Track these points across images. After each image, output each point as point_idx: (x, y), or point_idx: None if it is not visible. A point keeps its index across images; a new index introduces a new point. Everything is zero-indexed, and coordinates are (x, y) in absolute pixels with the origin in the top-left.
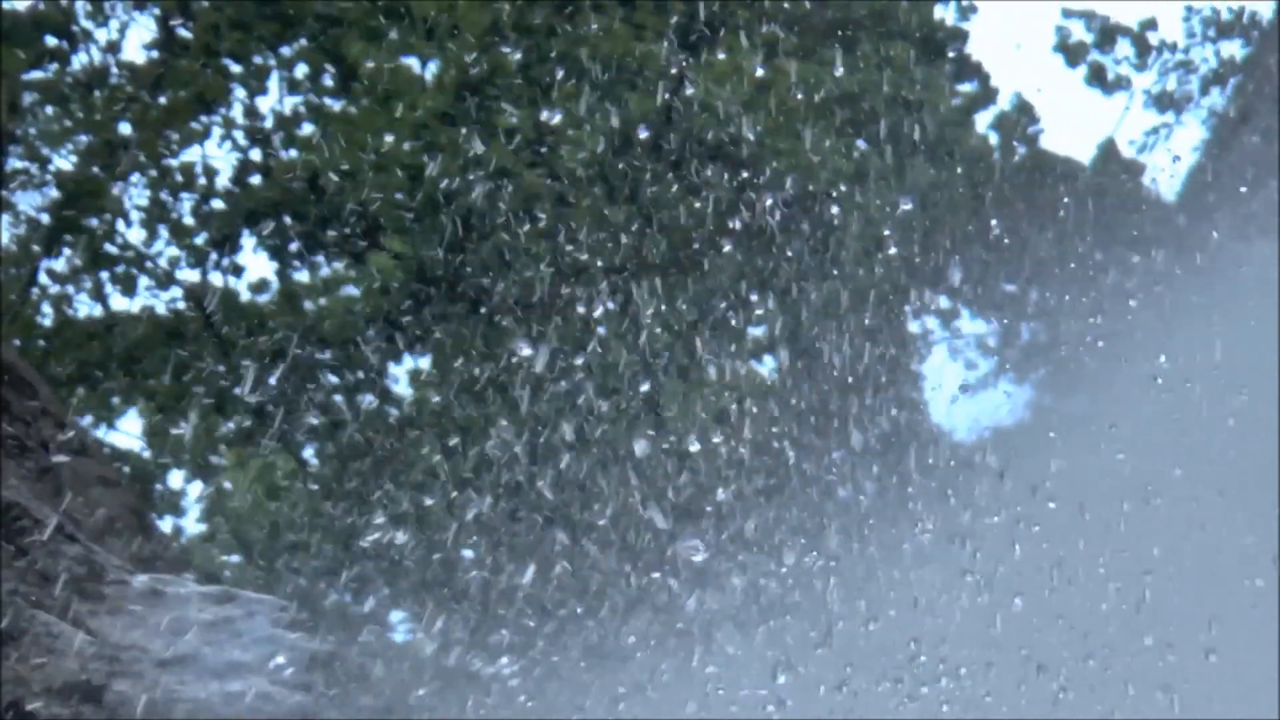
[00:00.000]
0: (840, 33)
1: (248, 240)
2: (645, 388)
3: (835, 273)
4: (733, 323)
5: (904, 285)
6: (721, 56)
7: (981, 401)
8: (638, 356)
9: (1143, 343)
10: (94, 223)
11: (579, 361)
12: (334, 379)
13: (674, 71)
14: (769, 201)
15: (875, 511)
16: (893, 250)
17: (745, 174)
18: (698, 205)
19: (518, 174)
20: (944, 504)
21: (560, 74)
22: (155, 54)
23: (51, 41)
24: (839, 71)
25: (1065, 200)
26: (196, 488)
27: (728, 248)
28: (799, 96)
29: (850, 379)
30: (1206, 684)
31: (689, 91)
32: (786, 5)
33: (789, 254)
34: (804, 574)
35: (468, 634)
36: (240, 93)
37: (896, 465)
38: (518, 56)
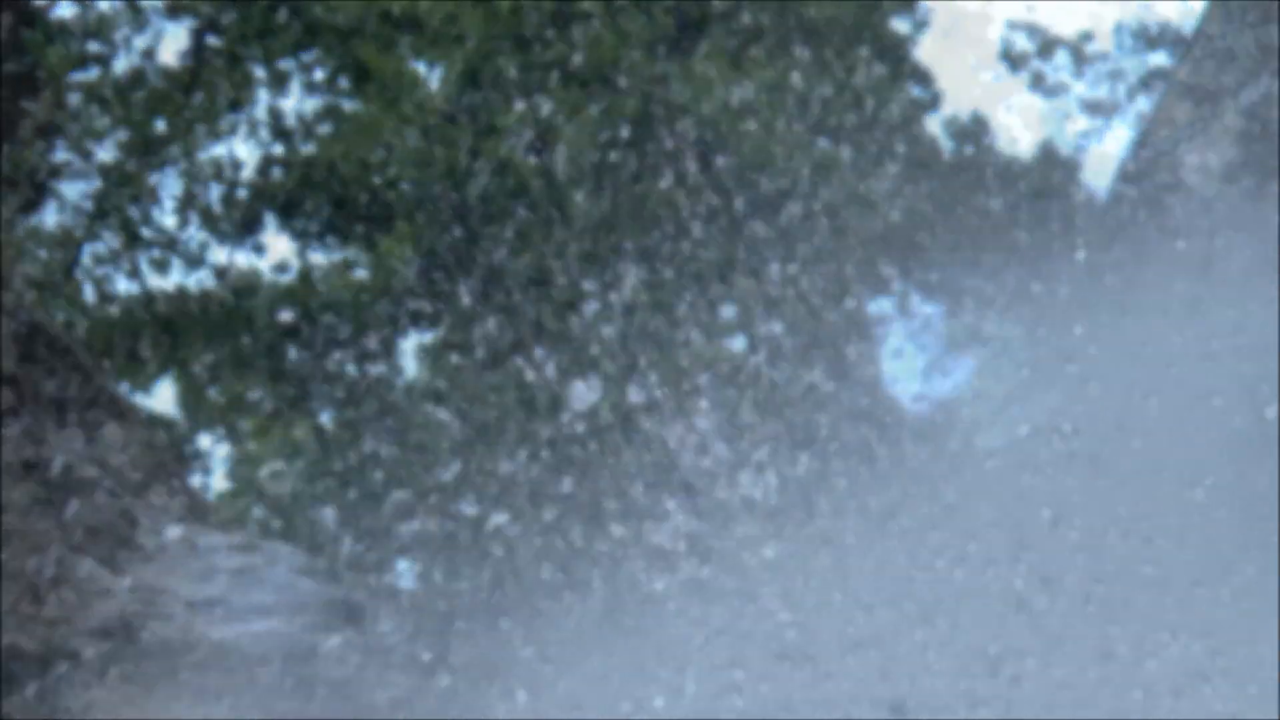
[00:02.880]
0: (804, 40)
1: (270, 226)
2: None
3: (800, 259)
4: (707, 303)
5: (865, 271)
6: (702, 59)
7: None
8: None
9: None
10: (132, 209)
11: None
12: (347, 351)
13: (656, 75)
14: (741, 196)
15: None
16: (853, 239)
17: (720, 170)
18: (678, 199)
19: (515, 168)
20: (907, 481)
21: (553, 77)
22: (187, 59)
23: (94, 47)
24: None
25: (1007, 197)
26: (224, 449)
27: (702, 236)
28: (764, 99)
29: (813, 356)
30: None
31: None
32: (752, 15)
33: (759, 243)
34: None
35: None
36: (264, 94)
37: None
38: (513, 63)
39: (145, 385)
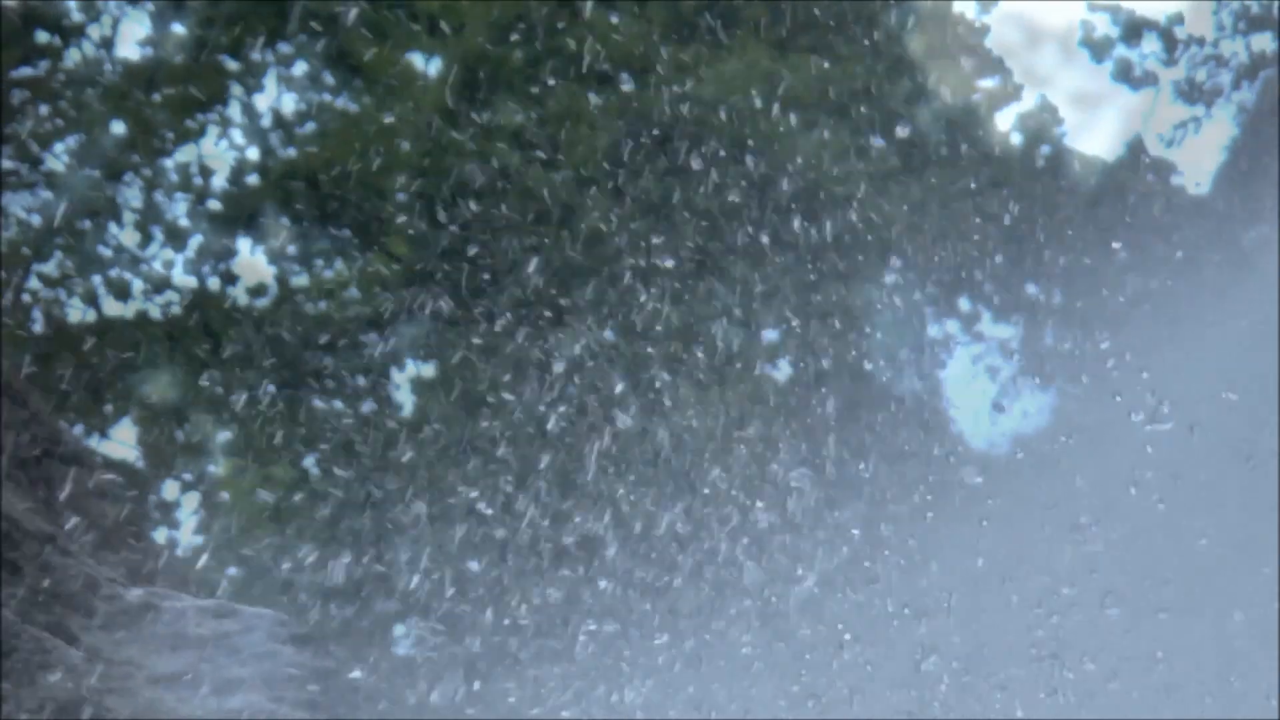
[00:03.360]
0: (843, 29)
1: (244, 242)
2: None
3: (847, 275)
4: (743, 324)
5: (922, 287)
6: (728, 52)
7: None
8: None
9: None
10: (87, 225)
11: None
12: (333, 384)
13: (682, 68)
14: (777, 202)
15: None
16: (908, 251)
17: (755, 172)
18: (705, 205)
19: (519, 172)
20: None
21: (564, 71)
22: (149, 50)
23: (42, 37)
24: (844, 67)
25: (1092, 200)
26: (192, 499)
27: (735, 248)
28: (807, 91)
29: (865, 387)
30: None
31: (692, 88)
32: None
33: (798, 255)
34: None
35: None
36: (237, 90)
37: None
38: (519, 54)
39: (102, 427)
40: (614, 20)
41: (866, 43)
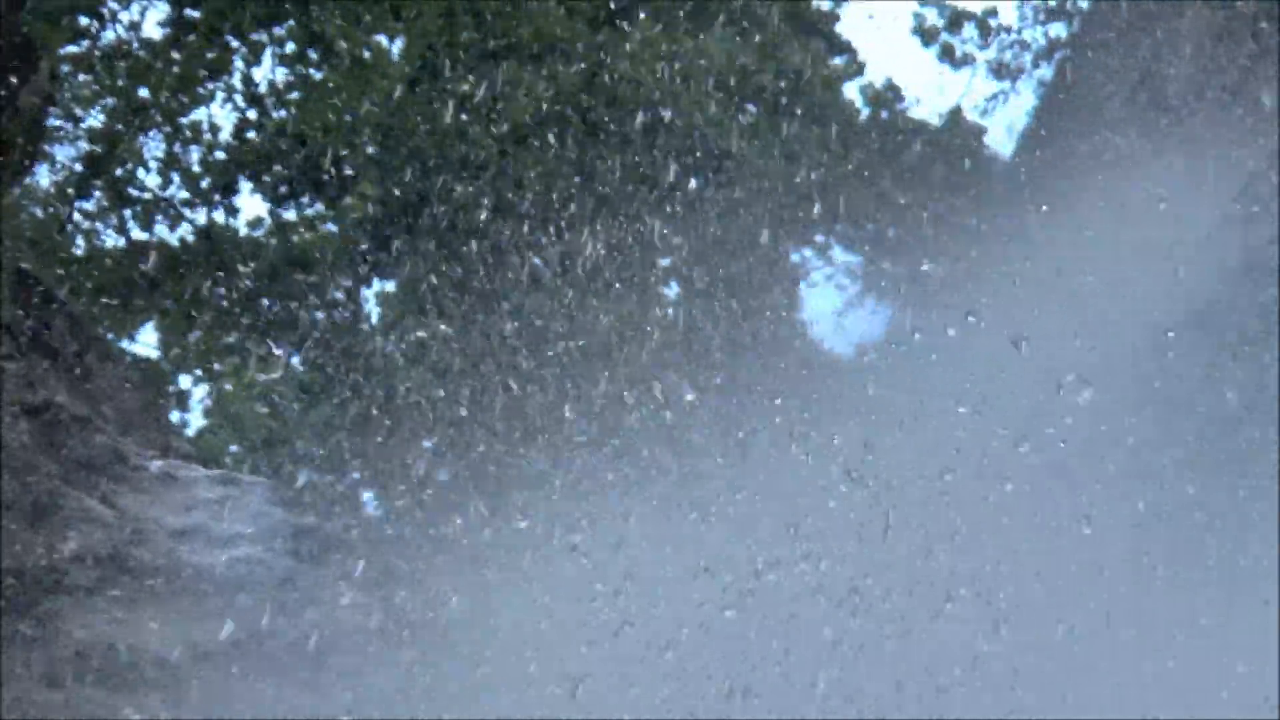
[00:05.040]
0: (731, 15)
1: (245, 185)
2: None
3: (728, 212)
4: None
5: (788, 223)
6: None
7: (853, 320)
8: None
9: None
10: (118, 170)
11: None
12: (315, 298)
13: (599, 46)
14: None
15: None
16: (779, 195)
17: (658, 133)
18: (618, 160)
19: (467, 133)
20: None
21: (504, 50)
22: (169, 31)
23: (84, 21)
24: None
25: (922, 155)
26: (202, 389)
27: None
28: (701, 64)
29: (743, 299)
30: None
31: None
32: None
33: (693, 199)
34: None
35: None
36: (239, 64)
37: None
38: (466, 35)
39: (130, 332)
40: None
41: (745, 24)
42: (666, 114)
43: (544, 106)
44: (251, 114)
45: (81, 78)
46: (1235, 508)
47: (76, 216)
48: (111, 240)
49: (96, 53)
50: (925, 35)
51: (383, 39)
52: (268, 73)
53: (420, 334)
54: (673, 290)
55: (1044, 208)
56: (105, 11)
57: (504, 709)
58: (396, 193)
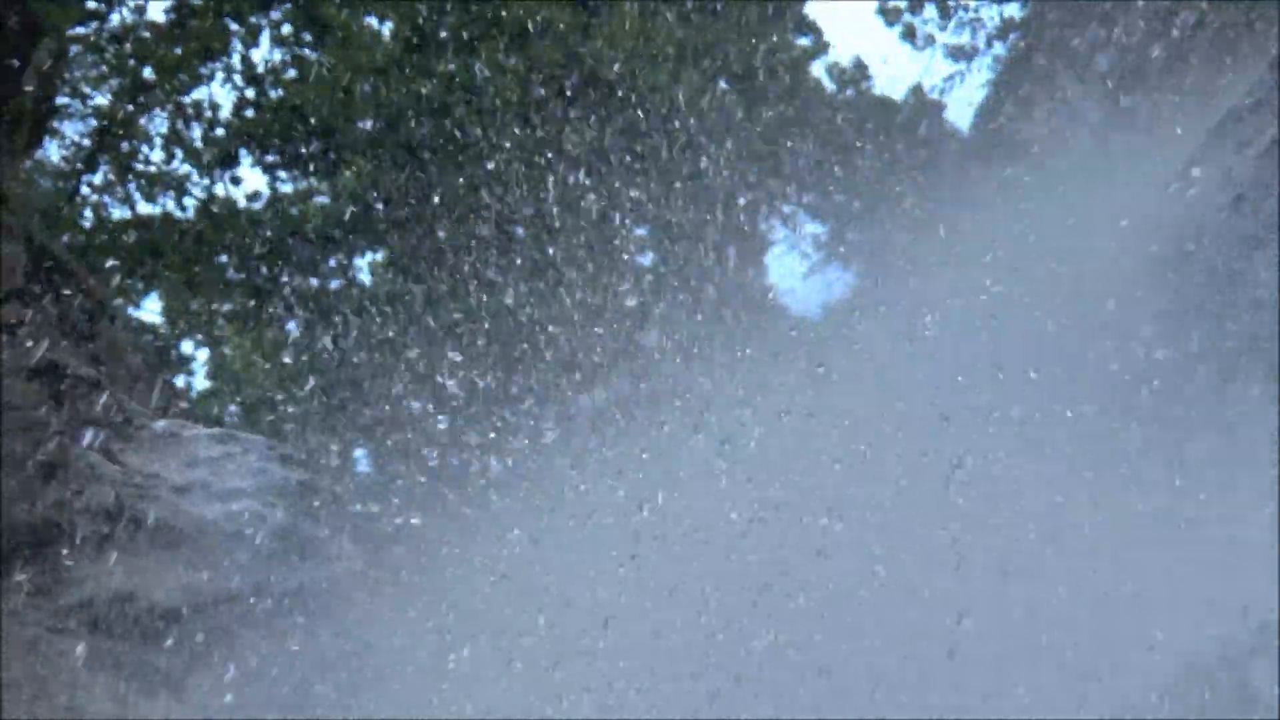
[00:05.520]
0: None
1: (245, 160)
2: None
3: (701, 185)
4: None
5: (756, 193)
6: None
7: (814, 284)
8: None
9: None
10: (124, 146)
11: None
12: (309, 266)
13: (578, 27)
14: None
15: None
16: (747, 165)
17: (634, 109)
18: (588, 129)
19: (450, 106)
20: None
21: (486, 32)
22: (172, 14)
23: (91, 4)
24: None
25: (884, 130)
26: (204, 353)
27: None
28: (670, 50)
29: (715, 267)
30: None
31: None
32: None
33: (663, 171)
34: None
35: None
36: (238, 45)
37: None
38: (450, 19)
39: (136, 299)
40: None
41: (719, 6)
42: (640, 90)
43: (524, 86)
44: (250, 93)
45: (89, 58)
46: (1180, 457)
47: (85, 190)
48: (118, 212)
49: (104, 34)
50: (888, 15)
51: (373, 21)
52: (265, 54)
53: (408, 298)
54: (647, 259)
55: (995, 184)
56: None
57: (486, 655)
58: (387, 167)
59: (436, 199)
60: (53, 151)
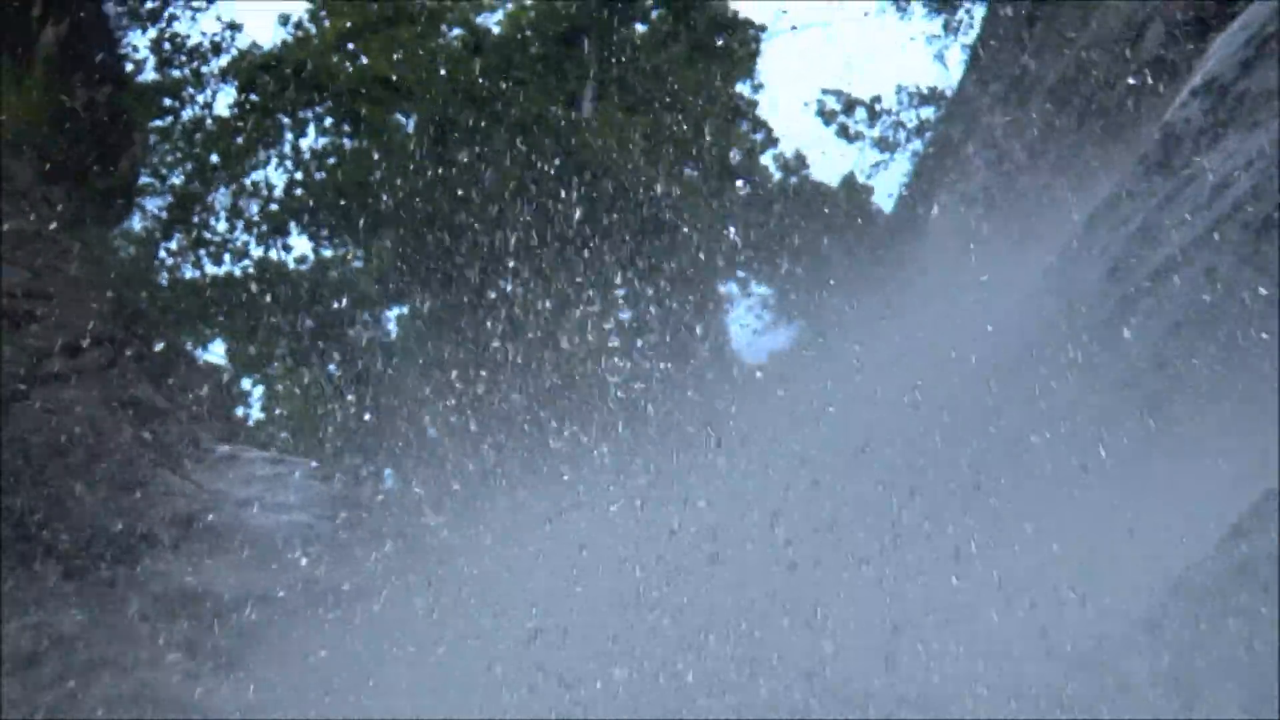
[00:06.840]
0: (674, 97)
1: (294, 230)
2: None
3: (672, 252)
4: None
5: (717, 264)
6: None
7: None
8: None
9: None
10: (195, 218)
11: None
12: (347, 319)
13: (570, 122)
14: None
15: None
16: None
17: (623, 191)
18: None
19: (465, 184)
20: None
21: (494, 126)
22: (235, 110)
23: (168, 101)
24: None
25: (819, 210)
26: (259, 390)
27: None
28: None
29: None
30: None
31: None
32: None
33: (640, 242)
34: None
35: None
36: (289, 135)
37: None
38: (464, 114)
39: (204, 344)
40: (520, 97)
41: (692, 99)
42: (622, 176)
43: (524, 171)
44: (299, 174)
45: (166, 146)
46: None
47: (162, 254)
48: (190, 273)
49: (178, 126)
50: (826, 116)
51: (400, 116)
52: (311, 142)
53: (428, 348)
54: (625, 315)
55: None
56: (185, 94)
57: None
58: (410, 237)
59: (452, 266)
60: (136, 222)
